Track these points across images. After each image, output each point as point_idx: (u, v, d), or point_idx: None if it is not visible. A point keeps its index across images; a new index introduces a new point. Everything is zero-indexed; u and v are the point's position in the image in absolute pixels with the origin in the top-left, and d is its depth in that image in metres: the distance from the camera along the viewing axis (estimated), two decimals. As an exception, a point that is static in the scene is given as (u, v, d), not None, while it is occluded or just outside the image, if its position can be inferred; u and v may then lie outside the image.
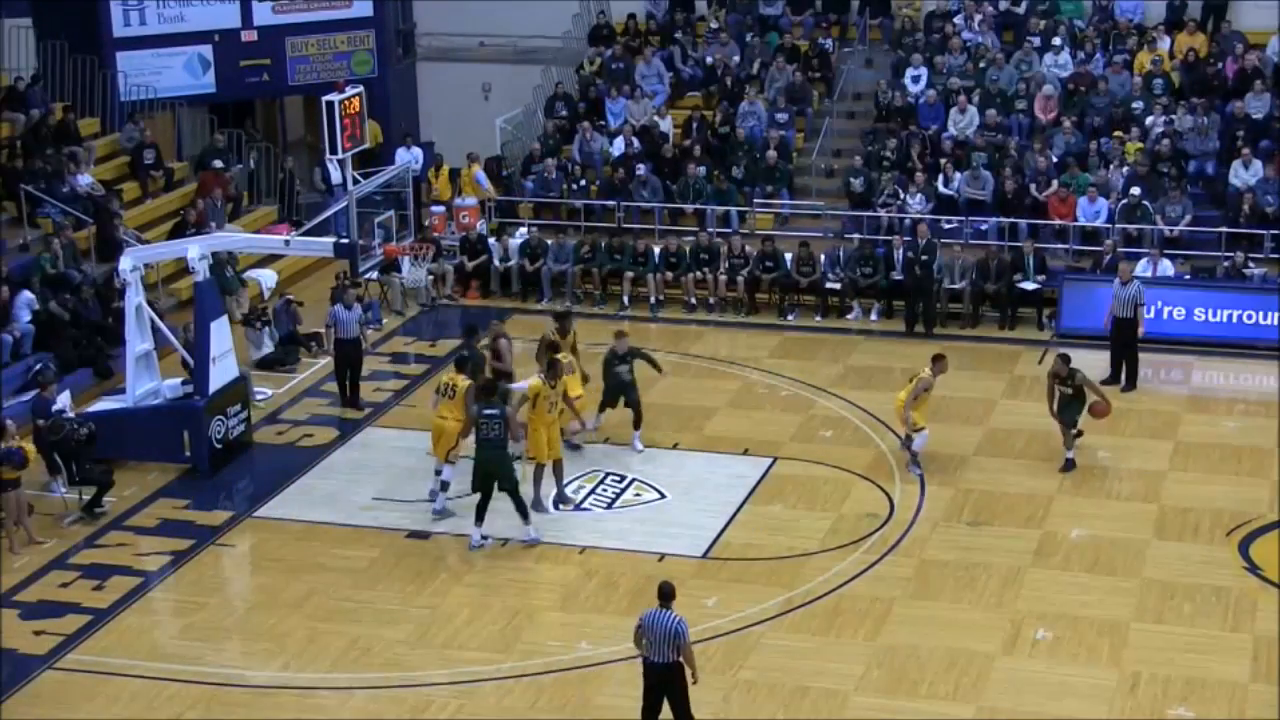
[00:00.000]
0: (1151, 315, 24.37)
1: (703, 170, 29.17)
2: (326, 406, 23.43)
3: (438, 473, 20.04)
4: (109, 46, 29.87)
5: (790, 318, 26.74)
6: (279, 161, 30.89)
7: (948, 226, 27.67)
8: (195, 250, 21.36)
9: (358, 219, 21.15)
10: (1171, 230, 26.71)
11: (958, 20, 31.73)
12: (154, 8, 30.29)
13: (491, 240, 28.43)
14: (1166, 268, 25.78)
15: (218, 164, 29.35)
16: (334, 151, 21.16)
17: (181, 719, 15.77)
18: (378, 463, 21.45)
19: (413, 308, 27.68)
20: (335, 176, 29.29)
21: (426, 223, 28.58)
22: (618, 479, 20.69)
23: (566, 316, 21.78)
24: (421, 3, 34.64)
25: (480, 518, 18.82)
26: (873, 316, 26.63)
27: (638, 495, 20.33)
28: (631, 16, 33.23)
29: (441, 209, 29.33)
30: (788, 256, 26.97)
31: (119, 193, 27.83)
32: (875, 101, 30.64)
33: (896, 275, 26.37)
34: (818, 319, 26.67)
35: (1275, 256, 26.31)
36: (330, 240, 21.59)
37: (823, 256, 26.96)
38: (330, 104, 20.57)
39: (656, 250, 27.67)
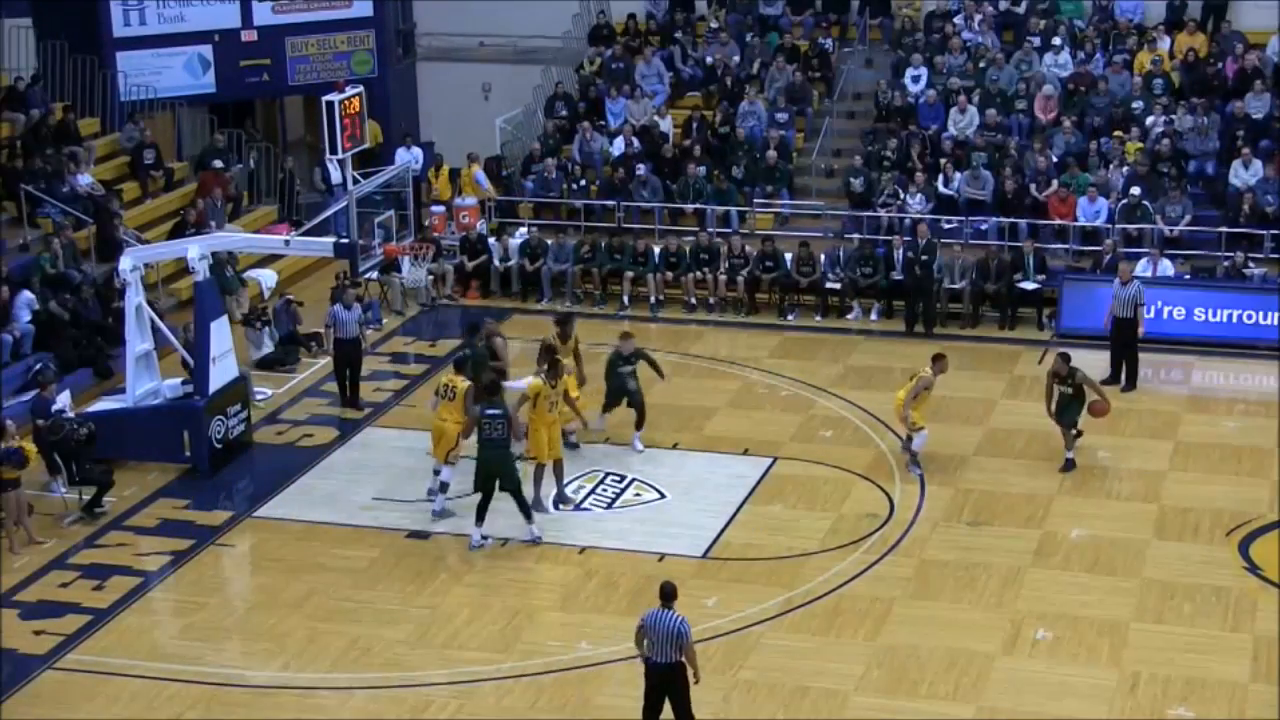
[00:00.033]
0: (1151, 315, 24.37)
1: (703, 170, 29.17)
2: (326, 406, 23.44)
3: (436, 472, 20.06)
4: (109, 46, 29.87)
5: (790, 318, 26.75)
6: (279, 161, 30.89)
7: (948, 226, 27.67)
8: (195, 250, 21.36)
9: (358, 219, 21.15)
10: (1171, 230, 26.71)
11: (958, 20, 31.73)
12: (154, 8, 30.30)
13: (491, 240, 28.43)
14: (1166, 268, 25.78)
15: (218, 164, 29.36)
16: (334, 151, 21.15)
17: (181, 719, 15.77)
18: (378, 463, 21.45)
19: (413, 308, 27.68)
20: (335, 176, 29.30)
21: (426, 223, 28.58)
22: (618, 479, 20.69)
23: (568, 321, 21.74)
24: (421, 3, 34.64)
25: (481, 518, 18.82)
26: (873, 316, 26.63)
27: (638, 495, 20.33)
28: (631, 16, 33.23)
29: (441, 209, 29.33)
30: (788, 256, 26.97)
31: (119, 193, 27.83)
32: (875, 101, 30.64)
33: (896, 275, 26.38)
34: (818, 319, 26.67)
35: (1275, 256, 26.31)
36: (330, 240, 21.59)
37: (823, 256, 26.96)
38: (330, 104, 20.57)
39: (656, 250, 27.67)
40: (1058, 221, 27.39)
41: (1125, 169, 27.84)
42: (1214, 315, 25.23)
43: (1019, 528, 19.22)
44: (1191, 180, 27.85)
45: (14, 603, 17.97)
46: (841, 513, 19.69)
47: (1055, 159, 28.28)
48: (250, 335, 25.05)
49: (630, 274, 27.43)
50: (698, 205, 28.85)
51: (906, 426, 20.57)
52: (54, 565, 18.83)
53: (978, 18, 31.55)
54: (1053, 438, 20.90)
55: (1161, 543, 18.83)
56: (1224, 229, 26.65)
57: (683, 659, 14.21)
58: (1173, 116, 28.62)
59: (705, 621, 16.72)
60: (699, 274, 27.27)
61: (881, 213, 28.12)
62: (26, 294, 24.13)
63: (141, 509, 20.26)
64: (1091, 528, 19.15)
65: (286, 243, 22.94)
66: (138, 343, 21.40)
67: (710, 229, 28.18)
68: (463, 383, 19.60)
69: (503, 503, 18.81)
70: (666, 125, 30.83)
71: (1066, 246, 27.22)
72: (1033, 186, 27.86)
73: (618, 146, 30.26)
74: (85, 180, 27.09)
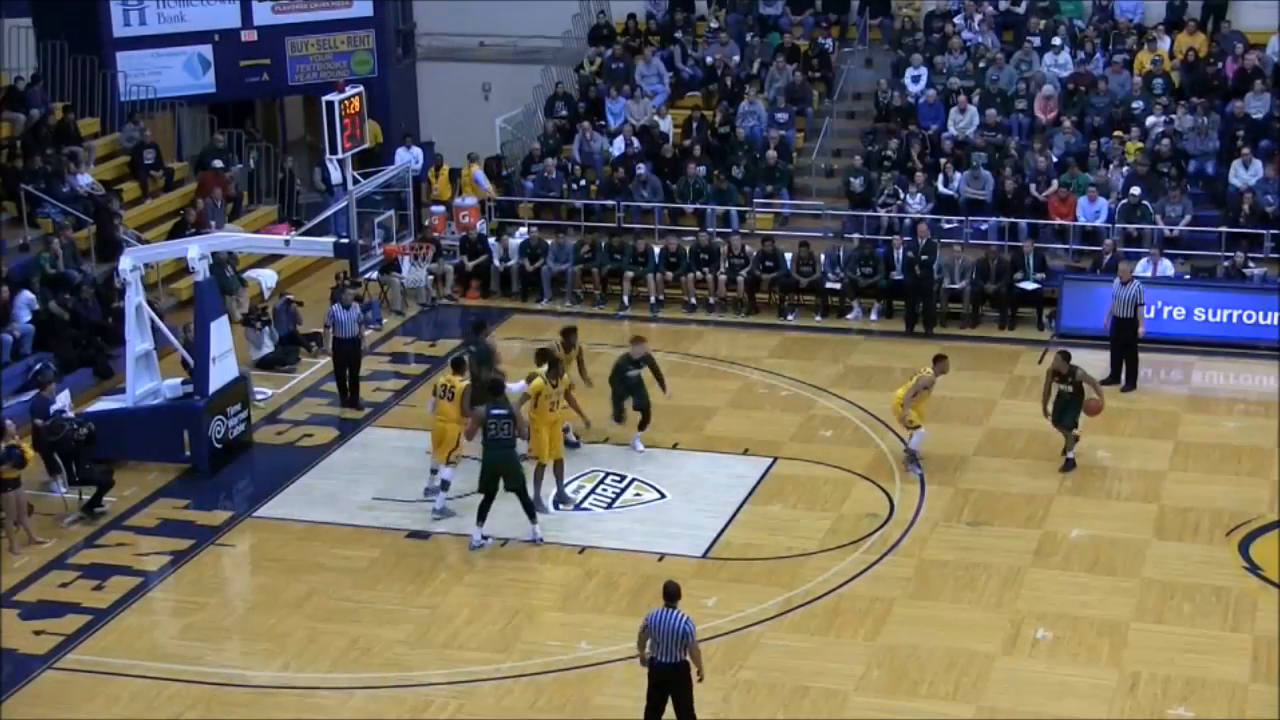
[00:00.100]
0: (1151, 315, 24.37)
1: (703, 170, 29.17)
2: (326, 406, 23.44)
3: (434, 471, 20.07)
4: (109, 46, 29.87)
5: (790, 318, 26.74)
6: (279, 161, 30.89)
7: (948, 226, 27.67)
8: (195, 250, 21.36)
9: (358, 219, 21.15)
10: (1171, 230, 26.71)
11: (958, 20, 31.73)
12: (154, 8, 30.30)
13: (491, 240, 28.43)
14: (1166, 268, 25.78)
15: (218, 164, 29.36)
16: (334, 151, 21.14)
17: (181, 719, 15.77)
18: (378, 463, 21.45)
19: (413, 308, 27.68)
20: (335, 176, 29.30)
21: (426, 223, 28.58)
22: (618, 479, 20.69)
23: (572, 332, 21.73)
24: (421, 3, 34.64)
25: (482, 518, 18.82)
26: (873, 316, 26.63)
27: (638, 495, 20.32)
28: (631, 16, 33.23)
29: (441, 209, 29.33)
30: (788, 256, 26.97)
31: (119, 193, 27.83)
32: (875, 101, 30.64)
33: (896, 275, 26.37)
34: (818, 319, 26.67)
35: (1275, 256, 26.31)
36: (330, 240, 21.58)
37: (823, 256, 26.96)
38: (330, 104, 20.56)
39: (656, 250, 27.67)
40: (1058, 221, 27.39)
41: (1125, 169, 27.84)
42: (1214, 315, 25.23)
43: (1019, 528, 19.22)
44: (1191, 180, 27.85)
45: (14, 603, 17.96)
46: (841, 513, 19.69)
47: (1055, 159, 28.28)
48: (250, 335, 25.05)
49: (630, 274, 27.43)
50: (698, 205, 28.85)
51: (904, 425, 20.57)
52: (54, 565, 18.83)
53: (978, 18, 31.55)
54: (1053, 438, 20.89)
55: (1161, 543, 18.83)
56: (1224, 229, 26.65)
57: (686, 658, 14.22)
58: (1173, 116, 28.62)
59: (705, 621, 16.67)
60: (699, 274, 27.27)
61: (881, 213, 28.12)
62: (26, 294, 24.13)
63: (141, 509, 20.26)
64: (1091, 528, 19.15)
65: (286, 243, 22.93)
66: (138, 343, 21.40)
67: (710, 229, 28.18)
68: (461, 382, 19.61)
69: (503, 503, 18.80)
70: (666, 125, 30.83)
71: (1066, 246, 27.22)
72: (1033, 186, 27.86)
73: (618, 146, 30.26)
74: (85, 180, 27.10)
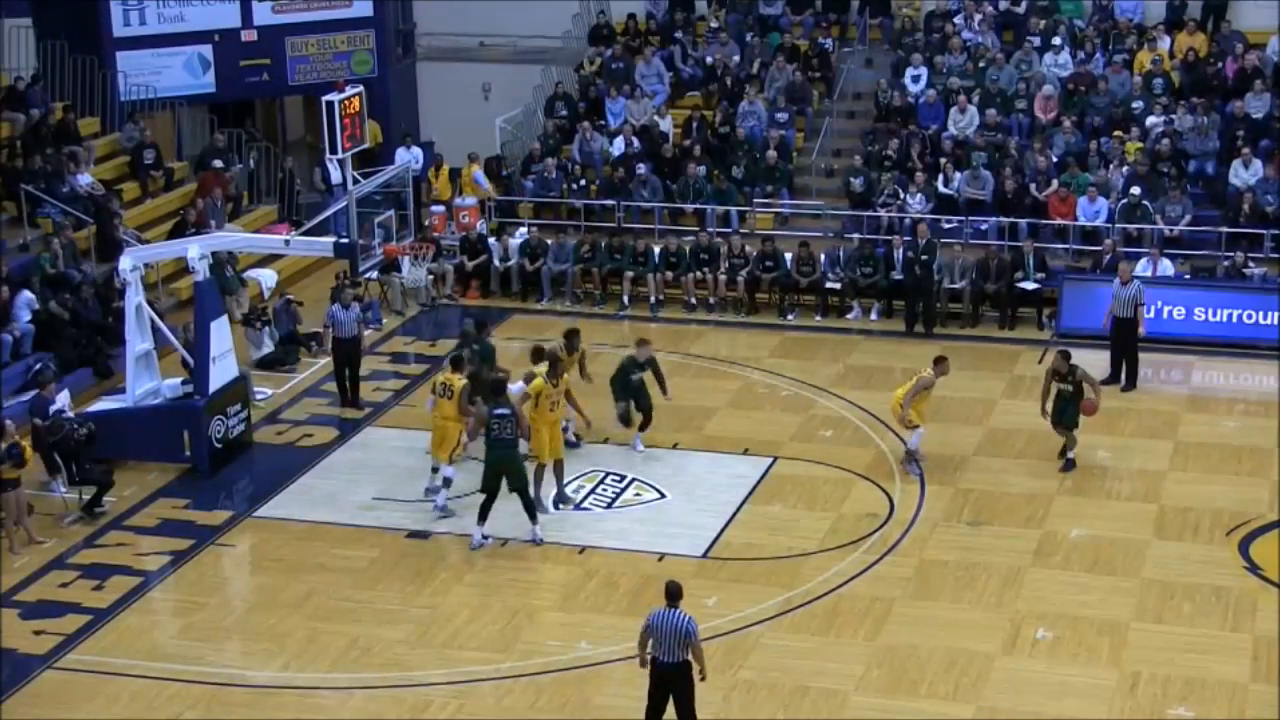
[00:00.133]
0: (1151, 315, 24.37)
1: (703, 170, 29.17)
2: (326, 406, 23.44)
3: (434, 470, 20.08)
4: (109, 46, 29.87)
5: (790, 318, 26.74)
6: (279, 161, 30.89)
7: (948, 226, 27.67)
8: (195, 250, 21.36)
9: (358, 219, 21.15)
10: (1171, 230, 26.71)
11: (958, 20, 31.74)
12: (154, 8, 30.30)
13: (491, 240, 28.43)
14: (1166, 268, 25.78)
15: (218, 164, 29.36)
16: (334, 151, 21.13)
17: (181, 719, 15.77)
18: (378, 463, 21.45)
19: (413, 308, 27.68)
20: (335, 176, 29.31)
21: (426, 223, 28.58)
22: (618, 479, 20.69)
23: (575, 334, 21.73)
24: (421, 3, 34.63)
25: (483, 517, 18.82)
26: (873, 316, 26.63)
27: (638, 495, 20.32)
28: (631, 16, 33.23)
29: (441, 209, 29.33)
30: (788, 256, 26.97)
31: (119, 192, 27.83)
32: (875, 101, 30.65)
33: (896, 275, 26.37)
34: (818, 319, 26.67)
35: (1275, 256, 26.31)
36: (330, 240, 21.59)
37: (823, 256, 26.96)
38: (330, 104, 20.56)
39: (656, 250, 27.66)
40: (1058, 221, 27.39)
41: (1125, 169, 27.84)
42: (1214, 315, 25.23)
43: (1019, 528, 19.22)
44: (1191, 180, 27.85)
45: (14, 603, 17.97)
46: (841, 513, 19.69)
47: (1055, 159, 28.28)
48: (250, 335, 25.05)
49: (630, 274, 27.43)
50: (698, 205, 28.85)
51: (903, 424, 20.56)
52: (54, 565, 18.83)
53: (978, 18, 31.55)
54: (1053, 438, 20.89)
55: (1161, 543, 18.83)
56: (1224, 229, 26.66)
57: (688, 658, 14.23)
58: (1173, 116, 28.63)
59: (705, 621, 16.63)
60: (699, 274, 27.27)
61: (881, 213, 28.12)
62: (26, 294, 24.13)
63: (141, 509, 20.26)
64: (1091, 528, 19.15)
65: (286, 243, 22.93)
66: (138, 343, 21.40)
67: (710, 229, 28.18)
68: (460, 380, 19.64)
69: (503, 503, 18.80)
70: (666, 125, 30.83)
71: (1066, 246, 27.22)
72: (1033, 186, 27.87)
73: (618, 146, 30.26)
74: (85, 180, 27.10)
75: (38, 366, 22.34)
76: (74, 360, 23.63)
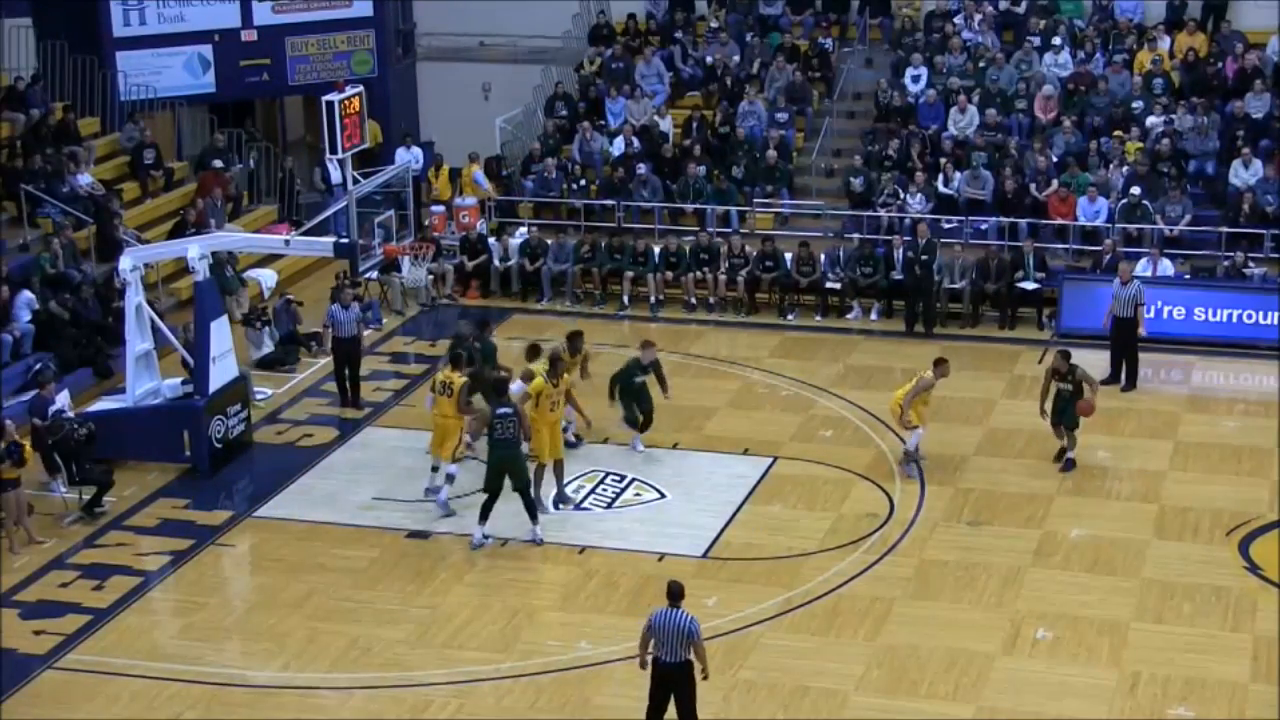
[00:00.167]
0: (1151, 315, 24.37)
1: (703, 170, 29.17)
2: (326, 406, 23.44)
3: (434, 470, 20.09)
4: (109, 46, 29.88)
5: (790, 318, 26.74)
6: (279, 161, 30.89)
7: (948, 226, 27.67)
8: (195, 250, 21.36)
9: (358, 219, 21.15)
10: (1171, 230, 26.71)
11: (958, 20, 31.74)
12: (154, 8, 30.30)
13: (491, 240, 28.44)
14: (1166, 267, 25.79)
15: (218, 164, 29.37)
16: (334, 151, 21.13)
17: (181, 719, 15.77)
18: (378, 463, 21.44)
19: (413, 308, 27.68)
20: (335, 176, 29.32)
21: (426, 223, 28.58)
22: (618, 479, 20.69)
23: (578, 336, 21.72)
24: (421, 3, 34.64)
25: (484, 517, 18.82)
26: (873, 316, 26.63)
27: (638, 495, 20.32)
28: (631, 16, 33.23)
29: (441, 209, 29.33)
30: (788, 256, 26.97)
31: (119, 192, 27.83)
32: (875, 101, 30.65)
33: (896, 275, 26.37)
34: (818, 319, 26.67)
35: (1275, 256, 26.31)
36: (330, 240, 21.59)
37: (823, 256, 26.96)
38: (330, 104, 20.56)
39: (656, 250, 27.67)
40: (1058, 221, 27.39)
41: (1125, 169, 27.84)
42: (1214, 315, 25.23)
43: (1019, 528, 19.21)
44: (1191, 180, 27.85)
45: (14, 603, 17.96)
46: (841, 513, 19.69)
47: (1055, 159, 28.28)
48: (250, 335, 25.05)
49: (630, 274, 27.43)
50: (698, 205, 28.86)
51: (902, 425, 20.56)
52: (54, 565, 18.83)
53: (978, 18, 31.55)
54: (1053, 438, 20.88)
55: (1161, 543, 18.83)
56: (1224, 229, 26.66)
57: (690, 657, 14.24)
58: (1173, 116, 28.63)
59: (705, 621, 16.57)
60: (699, 274, 27.26)
61: (881, 213, 28.13)
62: (26, 294, 24.13)
63: (141, 509, 20.26)
64: (1091, 528, 19.15)
65: (286, 243, 22.93)
66: (138, 343, 21.40)
67: (710, 229, 28.18)
68: (459, 378, 19.66)
69: (504, 503, 18.80)
70: (666, 125, 30.83)
71: (1066, 246, 27.22)
72: (1033, 186, 27.87)
73: (618, 146, 30.27)
74: (85, 180, 27.10)
75: (38, 366, 22.34)
76: (74, 360, 23.63)
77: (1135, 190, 27.04)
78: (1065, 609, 17.29)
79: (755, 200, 29.10)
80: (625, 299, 27.38)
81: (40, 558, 18.97)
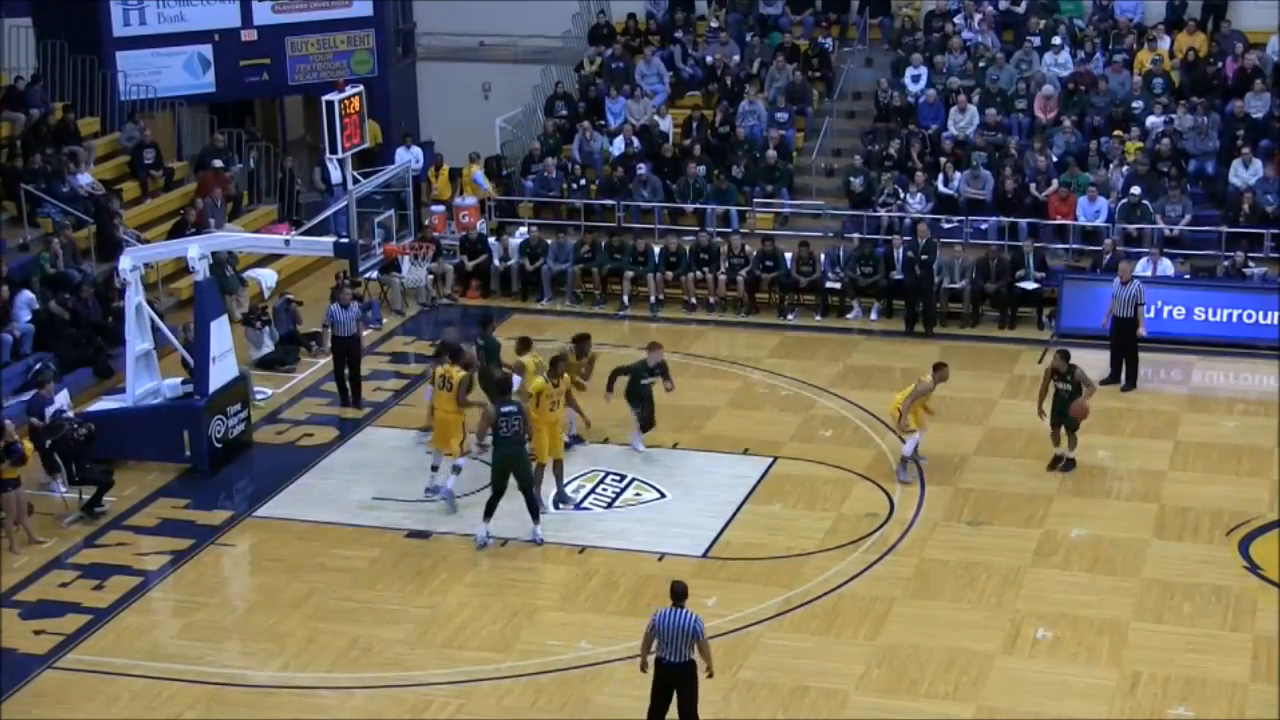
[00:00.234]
0: (1151, 315, 24.37)
1: (703, 170, 29.17)
2: (326, 406, 23.44)
3: (434, 469, 20.10)
4: (109, 46, 29.88)
5: (790, 317, 26.74)
6: (279, 161, 30.90)
7: (948, 226, 27.67)
8: (195, 250, 21.37)
9: (358, 219, 21.16)
10: (1171, 230, 26.71)
11: (958, 20, 31.74)
12: (154, 7, 30.30)
13: (491, 240, 28.44)
14: (1166, 267, 25.79)
15: (218, 164, 29.37)
16: (334, 151, 21.16)
17: (181, 719, 15.78)
18: (377, 462, 21.45)
19: (413, 307, 27.68)
20: (335, 176, 29.33)
21: (426, 222, 28.59)
22: (618, 479, 20.69)
23: (585, 339, 21.73)
24: (421, 3, 34.65)
25: (489, 514, 18.81)
26: (873, 316, 26.63)
27: (638, 495, 20.32)
28: (631, 16, 33.24)
29: (441, 208, 29.34)
30: (788, 256, 26.97)
31: (119, 192, 27.84)
32: (875, 101, 30.65)
33: (896, 275, 26.37)
34: (818, 319, 26.67)
35: (1275, 256, 26.31)
36: (330, 240, 21.60)
37: (823, 256, 26.96)
38: (330, 104, 20.57)
39: (656, 250, 27.67)
40: (1058, 221, 27.39)
41: (1125, 168, 27.84)
42: (1214, 315, 25.23)
43: (1019, 528, 19.21)
44: (1191, 180, 27.86)
45: (14, 603, 17.96)
46: (841, 513, 19.69)
47: (1055, 159, 28.28)
48: (250, 335, 25.05)
49: (630, 274, 27.43)
50: (698, 205, 28.86)
51: (901, 430, 20.55)
52: (54, 565, 18.83)
53: (978, 17, 31.55)
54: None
55: (1161, 542, 18.83)
56: (1224, 229, 26.66)
57: (694, 657, 14.25)
58: (1173, 116, 28.64)
59: (705, 621, 16.58)
60: (699, 274, 27.26)
61: (881, 212, 28.13)
62: (26, 294, 24.14)
63: (141, 509, 20.26)
64: (1091, 528, 19.15)
65: (286, 243, 22.93)
66: (138, 342, 21.40)
67: (710, 229, 28.19)
68: (458, 372, 19.72)
69: (505, 502, 18.79)
70: (666, 125, 30.84)
71: (1066, 246, 27.23)
72: (1033, 186, 27.87)
73: (618, 146, 30.27)
74: (85, 180, 27.11)
75: (38, 366, 22.34)
76: (74, 360, 23.64)
77: (1135, 190, 27.05)
78: (1065, 609, 17.29)
79: (755, 200, 29.11)
80: (625, 299, 27.38)
81: (40, 558, 18.97)
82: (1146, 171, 27.51)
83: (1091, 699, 15.67)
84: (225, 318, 21.95)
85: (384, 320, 26.88)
